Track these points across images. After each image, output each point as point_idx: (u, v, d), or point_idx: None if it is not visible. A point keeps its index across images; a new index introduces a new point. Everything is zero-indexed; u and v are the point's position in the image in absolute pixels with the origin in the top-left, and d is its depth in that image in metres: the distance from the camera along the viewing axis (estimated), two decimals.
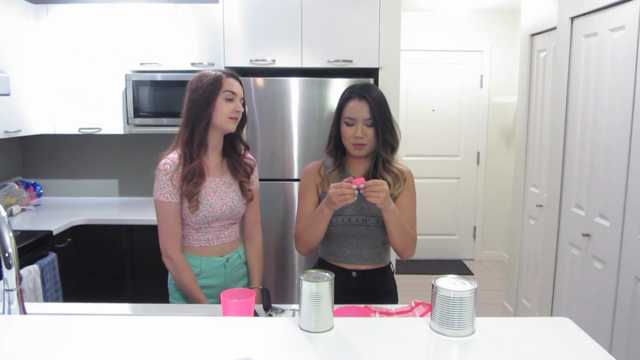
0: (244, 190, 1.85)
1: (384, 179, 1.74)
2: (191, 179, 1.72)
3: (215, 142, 1.79)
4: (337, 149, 1.82)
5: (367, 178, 1.70)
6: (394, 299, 1.88)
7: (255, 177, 1.92)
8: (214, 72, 1.75)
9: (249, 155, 1.91)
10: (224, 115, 1.72)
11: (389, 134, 1.76)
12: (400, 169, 1.80)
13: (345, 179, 1.62)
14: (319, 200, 1.85)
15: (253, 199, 1.89)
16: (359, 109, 1.73)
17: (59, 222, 2.92)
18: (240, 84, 1.80)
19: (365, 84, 1.80)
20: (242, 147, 1.87)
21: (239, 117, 1.77)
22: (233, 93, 1.73)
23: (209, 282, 1.81)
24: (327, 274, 1.21)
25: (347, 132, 1.74)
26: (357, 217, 1.77)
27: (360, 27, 2.84)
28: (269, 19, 2.84)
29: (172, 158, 1.75)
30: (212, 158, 1.81)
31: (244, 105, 1.81)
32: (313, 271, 1.26)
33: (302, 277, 1.18)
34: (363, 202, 1.73)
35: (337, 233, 1.80)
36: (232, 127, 1.76)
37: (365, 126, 1.73)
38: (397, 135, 1.80)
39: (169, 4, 3.19)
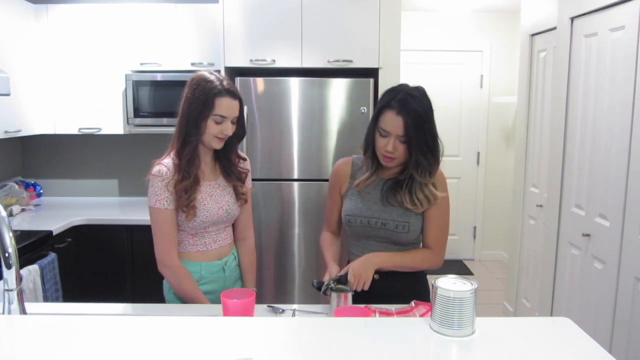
0: (238, 194, 1.82)
1: (406, 199, 1.68)
2: (185, 193, 1.68)
3: (206, 150, 1.76)
4: (374, 155, 1.71)
5: (391, 192, 1.70)
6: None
7: (248, 179, 1.88)
8: (210, 84, 1.65)
9: (246, 165, 1.87)
10: (209, 135, 1.67)
11: (423, 157, 1.62)
12: (433, 192, 1.67)
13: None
14: (342, 200, 1.82)
15: (247, 200, 1.87)
16: (393, 123, 1.59)
17: (59, 222, 2.92)
18: (238, 99, 1.70)
19: (409, 93, 1.62)
20: (237, 159, 1.84)
21: (226, 137, 1.70)
22: (223, 117, 1.66)
23: (209, 288, 1.79)
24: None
25: (380, 143, 1.65)
26: (376, 220, 1.71)
27: (360, 27, 2.84)
28: (269, 19, 2.84)
29: (166, 164, 1.71)
30: (205, 162, 1.77)
31: (242, 120, 1.76)
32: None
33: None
34: (389, 201, 1.70)
35: (359, 233, 1.77)
36: (217, 145, 1.71)
37: (398, 142, 1.62)
38: (437, 157, 1.66)
39: (169, 4, 3.19)
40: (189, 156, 1.68)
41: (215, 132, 1.67)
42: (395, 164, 1.69)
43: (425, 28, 4.93)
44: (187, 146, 1.68)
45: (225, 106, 1.66)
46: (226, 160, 1.80)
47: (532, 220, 3.35)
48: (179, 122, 1.71)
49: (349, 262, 1.85)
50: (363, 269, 1.61)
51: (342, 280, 1.59)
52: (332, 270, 1.69)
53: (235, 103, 1.69)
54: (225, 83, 1.67)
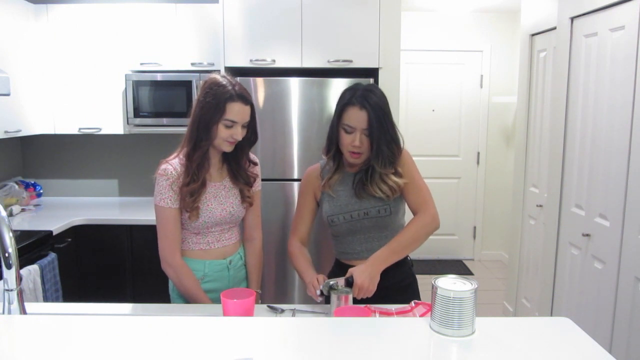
0: (244, 197, 1.82)
1: (377, 190, 1.72)
2: (191, 196, 1.69)
3: (215, 151, 1.76)
4: (337, 153, 1.77)
5: (360, 184, 1.74)
6: (415, 294, 1.84)
7: (256, 183, 1.88)
8: (222, 89, 1.66)
9: (256, 170, 1.87)
10: (220, 139, 1.68)
11: (385, 147, 1.69)
12: (396, 181, 1.72)
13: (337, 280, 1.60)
14: (317, 205, 1.86)
15: (253, 203, 1.87)
16: (358, 118, 1.66)
17: (59, 222, 2.92)
18: (250, 104, 1.70)
19: (367, 89, 1.71)
20: (247, 162, 1.83)
21: (236, 141, 1.71)
22: (233, 122, 1.67)
23: (213, 286, 1.79)
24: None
25: (345, 140, 1.70)
26: (357, 212, 1.75)
27: (360, 27, 2.84)
28: (269, 19, 2.84)
29: (173, 164, 1.71)
30: (213, 163, 1.78)
31: (254, 124, 1.76)
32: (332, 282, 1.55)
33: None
34: (361, 195, 1.74)
35: (343, 231, 1.79)
36: (227, 149, 1.71)
37: (363, 135, 1.68)
38: (398, 146, 1.73)
39: (169, 4, 3.19)
40: (199, 160, 1.70)
41: (226, 136, 1.68)
42: (361, 160, 1.73)
43: (425, 28, 4.93)
44: (197, 150, 1.69)
45: (237, 111, 1.66)
46: (236, 163, 1.80)
47: (532, 220, 3.35)
48: (191, 125, 1.71)
49: (336, 260, 1.89)
50: (369, 281, 1.59)
51: (349, 280, 1.59)
52: (312, 278, 1.67)
53: (247, 108, 1.69)
54: (237, 88, 1.68)
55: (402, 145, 1.76)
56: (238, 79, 1.76)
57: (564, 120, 2.69)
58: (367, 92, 1.69)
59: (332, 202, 1.79)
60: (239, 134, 1.69)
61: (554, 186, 2.82)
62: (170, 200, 1.69)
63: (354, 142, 1.68)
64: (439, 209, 1.79)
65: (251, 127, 1.75)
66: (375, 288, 1.60)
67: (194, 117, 1.70)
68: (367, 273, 1.60)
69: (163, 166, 1.71)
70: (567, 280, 2.69)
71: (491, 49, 4.95)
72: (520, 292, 3.57)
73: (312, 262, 1.80)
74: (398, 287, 1.79)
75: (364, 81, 2.80)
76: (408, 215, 1.81)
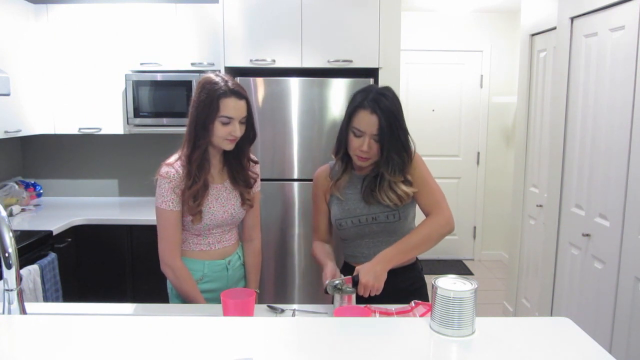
0: (244, 199, 1.81)
1: (385, 199, 1.69)
2: (194, 200, 1.68)
3: (214, 152, 1.76)
4: (346, 154, 1.74)
5: (368, 191, 1.71)
6: (423, 297, 1.80)
7: (256, 184, 1.88)
8: (215, 86, 1.64)
9: (256, 169, 1.86)
10: (218, 137, 1.67)
11: (395, 154, 1.64)
12: (405, 191, 1.68)
13: (345, 278, 1.57)
14: (329, 206, 1.84)
15: (253, 205, 1.87)
16: (368, 122, 1.62)
17: (59, 222, 2.92)
18: (245, 99, 1.68)
19: (379, 92, 1.65)
20: (248, 162, 1.82)
21: (236, 138, 1.69)
22: (229, 118, 1.65)
23: (211, 286, 1.79)
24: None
25: (354, 143, 1.66)
26: (366, 217, 1.73)
27: (360, 27, 2.84)
28: (269, 19, 2.84)
29: (176, 167, 1.70)
30: (213, 164, 1.76)
31: (252, 121, 1.74)
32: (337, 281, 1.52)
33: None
34: (370, 201, 1.72)
35: (351, 235, 1.77)
36: (228, 147, 1.70)
37: (372, 140, 1.64)
38: (409, 153, 1.69)
39: (169, 4, 3.19)
40: (199, 161, 1.68)
41: (224, 134, 1.66)
42: (369, 164, 1.71)
43: (425, 28, 4.93)
44: (196, 150, 1.68)
45: (231, 107, 1.65)
46: (237, 164, 1.79)
47: (532, 220, 3.35)
48: (188, 126, 1.70)
49: (345, 262, 1.87)
50: (374, 280, 1.57)
51: (355, 279, 1.58)
52: (330, 269, 1.66)
53: (242, 103, 1.67)
54: (230, 84, 1.66)
55: (413, 152, 1.71)
56: (238, 79, 1.75)
57: (564, 120, 2.69)
58: (379, 96, 1.64)
59: (341, 205, 1.76)
60: (237, 130, 1.67)
61: (554, 186, 2.82)
62: (172, 203, 1.68)
63: (362, 147, 1.64)
64: None
65: (249, 124, 1.73)
66: (381, 286, 1.58)
67: (190, 118, 1.69)
68: (372, 272, 1.58)
69: (165, 169, 1.70)
70: (567, 280, 2.69)
71: (491, 49, 4.95)
72: (520, 292, 3.57)
73: (330, 254, 1.78)
74: (407, 291, 1.75)
75: (364, 81, 2.83)
76: (419, 219, 1.78)
